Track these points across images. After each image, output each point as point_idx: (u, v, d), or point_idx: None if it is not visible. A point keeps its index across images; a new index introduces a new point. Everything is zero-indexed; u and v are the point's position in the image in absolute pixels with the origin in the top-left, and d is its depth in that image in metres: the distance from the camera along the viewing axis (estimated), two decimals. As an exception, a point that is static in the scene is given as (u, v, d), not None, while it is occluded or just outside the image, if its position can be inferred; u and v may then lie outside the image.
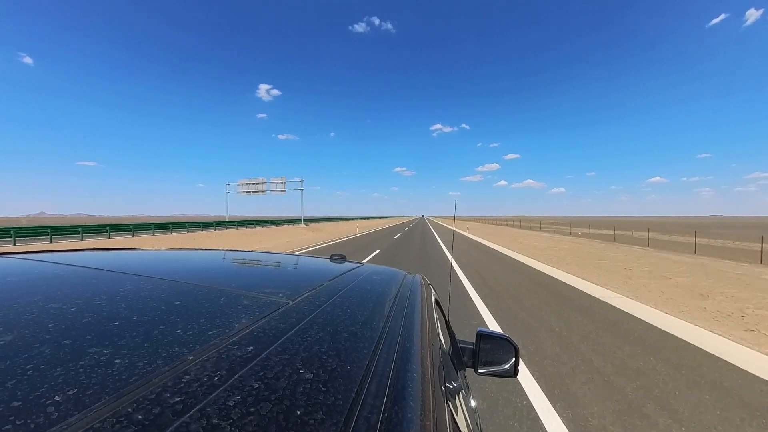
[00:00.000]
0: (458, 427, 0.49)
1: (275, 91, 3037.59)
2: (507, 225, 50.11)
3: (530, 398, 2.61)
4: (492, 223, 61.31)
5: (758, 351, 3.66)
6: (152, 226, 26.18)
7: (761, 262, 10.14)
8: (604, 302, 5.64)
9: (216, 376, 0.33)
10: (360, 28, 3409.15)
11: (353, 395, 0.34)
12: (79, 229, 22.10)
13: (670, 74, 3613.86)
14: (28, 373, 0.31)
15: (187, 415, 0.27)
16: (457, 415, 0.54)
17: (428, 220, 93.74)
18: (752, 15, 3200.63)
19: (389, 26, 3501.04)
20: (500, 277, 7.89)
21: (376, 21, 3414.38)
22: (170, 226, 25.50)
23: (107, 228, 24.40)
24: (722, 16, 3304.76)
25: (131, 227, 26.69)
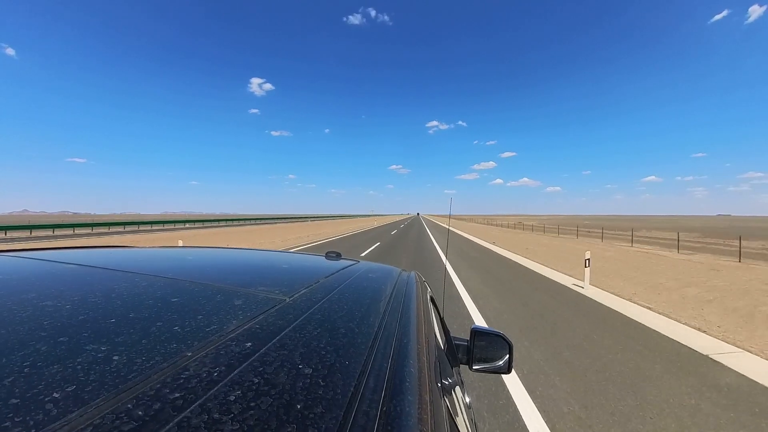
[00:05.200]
0: (455, 423, 0.50)
1: (268, 86, 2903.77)
2: (519, 228, 35.65)
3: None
4: (503, 226, 43.96)
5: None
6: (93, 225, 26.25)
7: None
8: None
9: (215, 371, 0.34)
10: (355, 19, 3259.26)
11: (352, 389, 0.34)
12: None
13: (669, 73, 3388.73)
14: (25, 370, 0.31)
15: (188, 410, 0.27)
16: (453, 410, 0.55)
17: (424, 218, 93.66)
18: (755, 12, 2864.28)
19: (386, 18, 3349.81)
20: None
21: (373, 12, 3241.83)
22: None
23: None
24: (725, 12, 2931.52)
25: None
